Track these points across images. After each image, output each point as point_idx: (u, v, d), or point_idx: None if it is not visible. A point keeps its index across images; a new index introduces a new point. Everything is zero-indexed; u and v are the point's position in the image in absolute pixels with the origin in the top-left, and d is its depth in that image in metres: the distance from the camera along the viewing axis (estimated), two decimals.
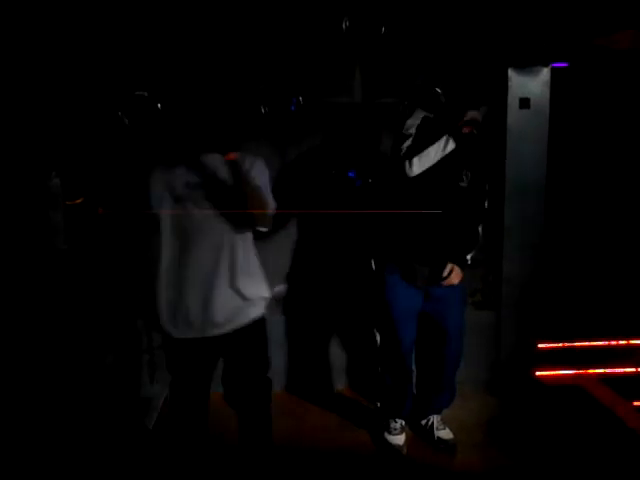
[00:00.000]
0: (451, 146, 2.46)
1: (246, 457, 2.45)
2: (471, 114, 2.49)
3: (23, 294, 2.68)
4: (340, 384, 3.45)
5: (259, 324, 2.33)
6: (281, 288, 3.36)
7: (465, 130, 2.50)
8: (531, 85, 3.19)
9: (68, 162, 2.90)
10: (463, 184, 2.63)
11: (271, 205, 2.25)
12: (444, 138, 2.46)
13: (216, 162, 2.19)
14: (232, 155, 2.10)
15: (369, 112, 3.21)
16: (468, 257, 2.74)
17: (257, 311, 2.31)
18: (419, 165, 2.45)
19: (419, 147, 2.46)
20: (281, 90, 3.11)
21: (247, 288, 2.25)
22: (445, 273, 2.68)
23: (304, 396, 3.36)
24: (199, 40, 3.05)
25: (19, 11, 2.75)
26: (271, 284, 3.29)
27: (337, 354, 3.43)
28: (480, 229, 2.77)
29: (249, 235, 2.30)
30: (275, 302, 3.33)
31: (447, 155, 2.48)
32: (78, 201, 2.92)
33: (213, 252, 2.20)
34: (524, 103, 3.18)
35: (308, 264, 3.35)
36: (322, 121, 3.21)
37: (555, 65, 3.23)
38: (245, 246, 2.27)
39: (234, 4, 3.05)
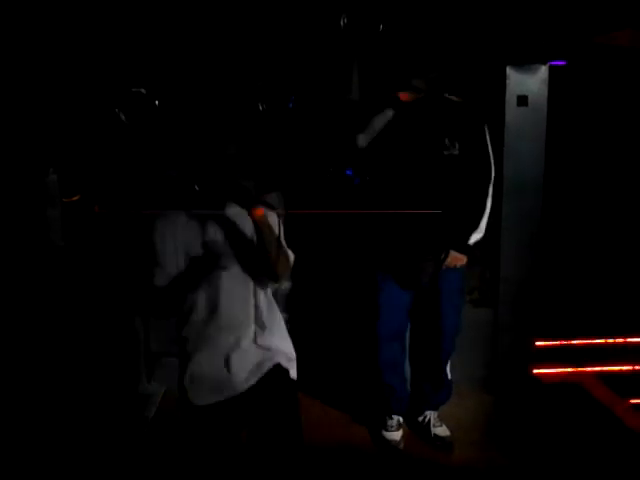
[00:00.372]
0: (389, 113, 2.57)
1: None
2: (415, 82, 2.57)
3: (20, 290, 2.68)
4: (338, 380, 3.45)
5: (285, 375, 2.08)
6: (287, 284, 3.37)
7: (402, 97, 2.57)
8: (529, 83, 3.18)
9: (65, 159, 2.90)
10: (452, 152, 2.58)
11: (291, 256, 2.05)
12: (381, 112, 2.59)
13: (237, 217, 1.95)
14: (260, 211, 1.85)
15: (367, 110, 3.20)
16: (471, 238, 2.67)
17: (281, 359, 2.07)
18: (363, 138, 2.61)
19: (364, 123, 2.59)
20: (279, 87, 3.12)
21: (272, 342, 2.05)
22: (447, 259, 2.65)
23: (300, 392, 3.35)
24: (197, 37, 3.04)
25: (17, 7, 2.75)
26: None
27: (335, 350, 3.43)
28: (488, 201, 2.67)
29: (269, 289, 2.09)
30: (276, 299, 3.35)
31: (417, 128, 2.56)
32: (75, 198, 2.92)
33: (236, 309, 2.00)
34: (522, 101, 3.18)
35: (307, 260, 3.34)
36: (320, 118, 3.21)
37: (553, 63, 3.23)
38: (267, 300, 2.08)
39: (234, 2, 3.05)
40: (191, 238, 1.93)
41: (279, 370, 2.05)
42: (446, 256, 2.66)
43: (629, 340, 3.80)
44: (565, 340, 3.76)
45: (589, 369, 3.54)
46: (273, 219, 1.95)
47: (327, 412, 3.18)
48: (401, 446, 2.85)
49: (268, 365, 2.02)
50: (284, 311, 3.32)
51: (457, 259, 2.68)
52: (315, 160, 3.23)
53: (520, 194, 3.26)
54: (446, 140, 2.58)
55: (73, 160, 2.94)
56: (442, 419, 2.95)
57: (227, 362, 1.97)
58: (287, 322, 3.20)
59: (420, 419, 2.94)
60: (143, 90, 3.08)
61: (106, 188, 2.98)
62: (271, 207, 1.94)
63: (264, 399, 2.02)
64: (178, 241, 1.94)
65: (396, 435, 2.87)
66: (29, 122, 2.80)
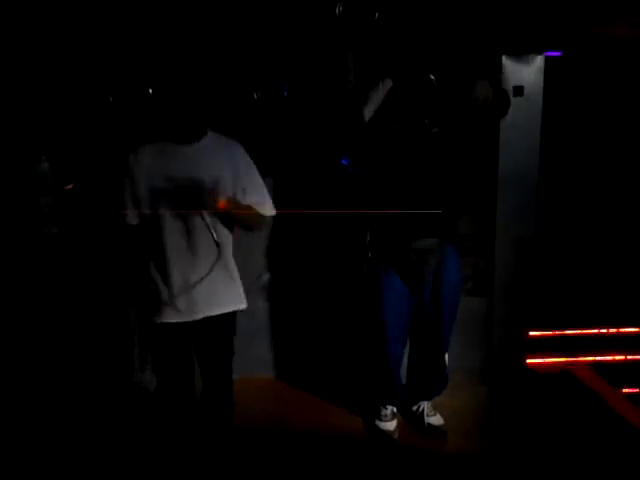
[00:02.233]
0: (388, 82, 2.59)
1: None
2: None
3: (13, 278, 2.66)
4: (331, 370, 3.45)
5: (231, 317, 2.43)
6: (266, 276, 3.36)
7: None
8: (525, 73, 3.17)
9: (58, 147, 2.88)
10: (434, 130, 2.59)
11: (269, 213, 2.37)
12: (380, 81, 2.60)
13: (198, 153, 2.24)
14: (221, 204, 2.16)
15: (362, 98, 3.19)
16: None
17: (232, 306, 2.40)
18: (367, 109, 2.60)
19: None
20: (274, 76, 3.10)
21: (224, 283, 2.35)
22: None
23: (295, 383, 3.36)
24: (191, 25, 3.01)
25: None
26: (259, 271, 3.34)
27: (329, 341, 3.42)
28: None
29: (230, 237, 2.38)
30: (263, 289, 3.35)
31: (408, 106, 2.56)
32: (69, 187, 2.90)
33: (194, 245, 2.26)
34: (518, 91, 3.17)
35: (297, 251, 3.34)
36: (315, 107, 3.19)
37: (549, 54, 3.22)
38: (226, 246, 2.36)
39: None
40: (160, 172, 2.19)
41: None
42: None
43: (622, 330, 3.81)
44: (559, 330, 3.77)
45: (582, 359, 3.55)
46: (251, 175, 2.32)
47: (321, 403, 3.17)
48: (395, 436, 2.86)
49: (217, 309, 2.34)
50: (270, 301, 3.36)
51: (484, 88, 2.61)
52: (310, 149, 3.22)
53: (515, 184, 3.26)
54: (425, 121, 2.60)
55: (66, 148, 2.92)
56: (436, 409, 2.95)
57: (188, 289, 2.26)
58: (273, 313, 3.22)
59: (414, 408, 2.95)
60: (136, 78, 3.05)
61: (99, 176, 2.95)
62: None
63: (213, 332, 2.38)
64: (145, 174, 2.20)
65: (390, 425, 2.87)
66: (21, 110, 2.77)
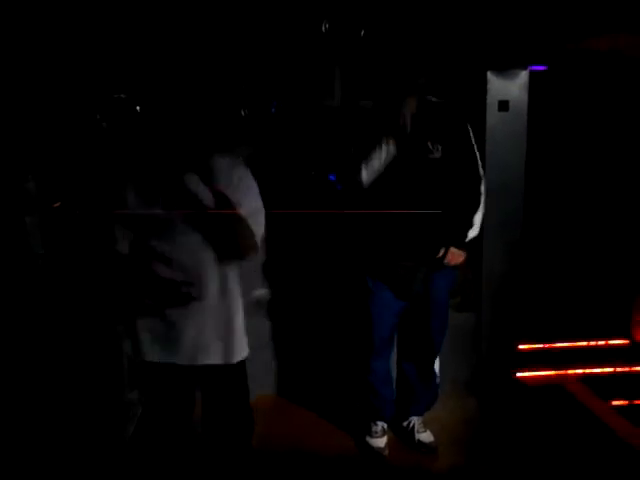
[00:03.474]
0: (392, 150, 2.49)
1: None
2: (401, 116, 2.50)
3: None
4: (324, 387, 3.44)
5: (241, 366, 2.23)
6: (264, 291, 3.35)
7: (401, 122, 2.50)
8: (510, 88, 3.21)
9: (45, 165, 2.87)
10: (435, 155, 2.56)
11: (261, 230, 2.10)
12: (383, 143, 2.49)
13: (196, 185, 1.99)
14: (217, 187, 1.92)
15: (349, 115, 3.21)
16: (469, 234, 2.64)
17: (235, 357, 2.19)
18: (367, 174, 2.52)
19: (366, 160, 2.50)
20: (261, 92, 3.11)
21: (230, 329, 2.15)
22: (440, 254, 2.61)
23: (289, 398, 3.35)
24: (179, 42, 3.02)
25: None
26: (259, 287, 3.33)
27: (322, 357, 3.41)
28: (482, 199, 2.68)
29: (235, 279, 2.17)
30: (260, 305, 3.34)
31: (410, 128, 2.51)
32: (55, 205, 2.89)
33: (193, 278, 2.06)
34: (503, 106, 3.21)
35: (294, 266, 3.34)
36: (302, 123, 3.20)
37: (534, 68, 3.26)
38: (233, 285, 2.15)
39: (215, 7, 3.04)
40: (153, 201, 2.01)
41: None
42: (445, 253, 2.62)
43: (611, 342, 3.84)
44: (548, 343, 3.78)
45: (572, 372, 3.56)
46: (246, 181, 2.10)
47: (311, 419, 3.16)
48: (385, 453, 2.85)
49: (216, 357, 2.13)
50: (268, 318, 3.35)
51: (457, 255, 2.64)
52: (298, 164, 3.23)
53: (502, 198, 3.27)
54: (429, 143, 2.56)
55: (53, 166, 2.91)
56: (426, 423, 2.95)
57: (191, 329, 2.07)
58: (269, 330, 3.20)
59: (405, 424, 2.94)
60: (123, 95, 3.05)
61: (87, 194, 2.94)
62: None
63: (217, 379, 2.18)
64: (140, 202, 2.03)
65: (380, 442, 2.86)
66: (7, 128, 2.76)
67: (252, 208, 2.07)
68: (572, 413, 3.18)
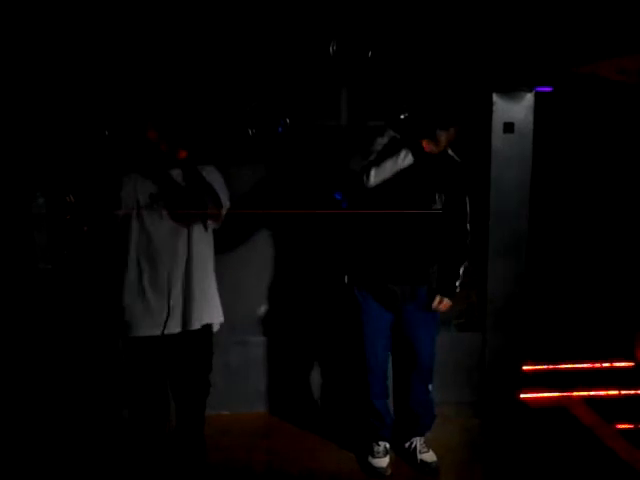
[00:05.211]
0: (408, 160, 2.54)
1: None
2: (438, 134, 2.54)
3: (7, 312, 2.66)
4: (324, 406, 3.43)
5: (208, 330, 2.52)
6: (261, 310, 3.37)
7: (425, 146, 2.55)
8: (515, 110, 3.24)
9: (54, 179, 2.90)
10: (436, 206, 2.68)
11: (225, 203, 2.46)
12: (402, 152, 2.54)
13: (178, 175, 2.38)
14: (183, 153, 2.32)
15: (355, 135, 3.24)
16: (457, 284, 2.78)
17: (208, 318, 2.49)
18: (375, 176, 2.55)
19: (378, 160, 2.56)
20: (268, 112, 3.14)
21: (203, 296, 2.45)
22: (434, 304, 2.76)
23: (287, 418, 3.34)
24: (188, 62, 3.07)
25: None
26: (253, 305, 3.35)
27: (321, 375, 3.41)
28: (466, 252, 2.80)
29: (208, 252, 2.49)
30: (255, 323, 3.35)
31: (418, 176, 2.57)
32: (67, 218, 2.91)
33: (173, 256, 2.39)
34: (508, 127, 3.23)
35: (288, 285, 3.35)
36: (308, 143, 3.23)
37: (539, 89, 3.28)
38: (202, 258, 2.46)
39: (223, 26, 3.08)
40: (137, 190, 2.36)
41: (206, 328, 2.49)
42: (440, 302, 2.77)
43: (615, 364, 3.82)
44: (552, 364, 3.77)
45: (576, 394, 3.54)
46: (211, 170, 2.44)
47: (312, 439, 3.15)
48: (388, 473, 2.83)
49: (196, 322, 2.43)
50: (265, 335, 3.36)
51: (448, 304, 2.79)
52: (303, 184, 3.25)
53: (506, 219, 3.30)
54: (436, 195, 2.67)
55: (61, 180, 2.94)
56: (429, 443, 2.93)
57: (155, 304, 2.36)
58: (266, 347, 3.21)
59: (407, 445, 2.93)
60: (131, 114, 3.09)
61: (95, 207, 2.97)
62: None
63: (190, 348, 2.46)
64: (133, 192, 2.36)
65: (383, 462, 2.85)
66: (16, 145, 2.79)
67: (217, 187, 2.45)
68: (576, 436, 3.16)
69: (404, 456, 2.94)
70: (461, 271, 2.78)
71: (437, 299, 2.76)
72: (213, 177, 2.45)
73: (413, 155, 2.54)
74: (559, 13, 2.99)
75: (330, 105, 3.24)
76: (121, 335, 2.45)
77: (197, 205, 2.36)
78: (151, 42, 3.03)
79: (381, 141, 2.64)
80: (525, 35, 3.07)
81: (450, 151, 2.71)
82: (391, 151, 2.57)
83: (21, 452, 2.76)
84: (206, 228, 2.47)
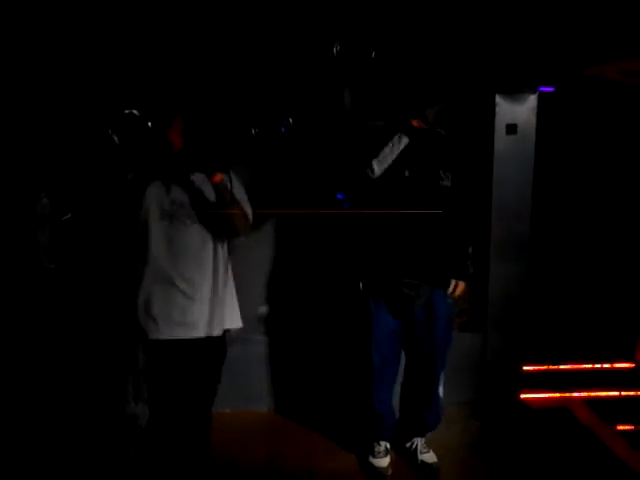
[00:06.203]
0: (404, 141, 2.57)
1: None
2: (427, 112, 2.59)
3: (11, 313, 2.67)
4: (326, 405, 3.44)
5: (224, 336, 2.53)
6: (265, 308, 3.38)
7: (414, 124, 2.59)
8: (518, 111, 3.23)
9: (57, 178, 2.90)
10: (445, 183, 2.67)
11: (250, 214, 2.49)
12: (396, 136, 2.58)
13: (201, 181, 2.36)
14: (218, 177, 2.28)
15: (359, 135, 3.23)
16: (468, 264, 2.79)
17: (229, 324, 2.52)
18: (378, 166, 2.57)
19: (376, 151, 2.59)
20: (272, 112, 3.15)
21: (225, 302, 2.47)
22: (450, 290, 2.77)
23: (289, 416, 3.35)
24: (191, 62, 3.07)
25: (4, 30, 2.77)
26: (255, 303, 3.36)
27: (323, 375, 3.42)
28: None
29: (227, 260, 2.51)
30: (259, 322, 3.36)
31: (418, 157, 2.59)
32: (67, 217, 2.93)
33: (196, 262, 2.39)
34: (511, 129, 3.23)
35: (291, 283, 3.36)
36: (312, 143, 3.23)
37: (542, 89, 3.28)
38: (224, 266, 2.49)
39: (227, 27, 3.08)
40: (162, 196, 2.35)
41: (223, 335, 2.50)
42: (455, 287, 2.77)
43: (616, 365, 3.82)
44: (553, 365, 3.78)
45: (576, 394, 3.55)
46: (235, 180, 2.38)
47: (313, 438, 3.16)
48: (388, 473, 2.85)
49: (218, 328, 2.44)
50: (267, 334, 3.37)
51: (462, 287, 2.80)
52: (306, 184, 3.26)
53: (509, 220, 3.30)
54: (441, 172, 2.66)
55: (65, 180, 2.95)
56: (430, 444, 2.95)
57: (182, 308, 2.36)
58: (269, 346, 3.22)
59: (408, 445, 2.94)
60: (136, 111, 3.09)
61: (97, 207, 2.97)
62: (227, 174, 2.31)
63: (208, 356, 2.47)
64: (153, 197, 2.34)
65: (383, 462, 2.86)
66: (19, 144, 2.80)
67: (243, 199, 2.46)
68: (576, 437, 3.17)
69: (404, 456, 2.95)
70: (470, 250, 2.78)
71: (452, 283, 2.76)
72: (238, 188, 2.45)
73: (407, 135, 2.57)
74: (563, 14, 2.99)
75: (333, 105, 3.24)
76: (141, 337, 2.42)
77: (225, 221, 2.37)
78: (156, 43, 3.03)
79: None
80: (528, 36, 3.06)
81: (439, 129, 2.73)
82: (385, 139, 2.60)
83: (24, 454, 2.77)
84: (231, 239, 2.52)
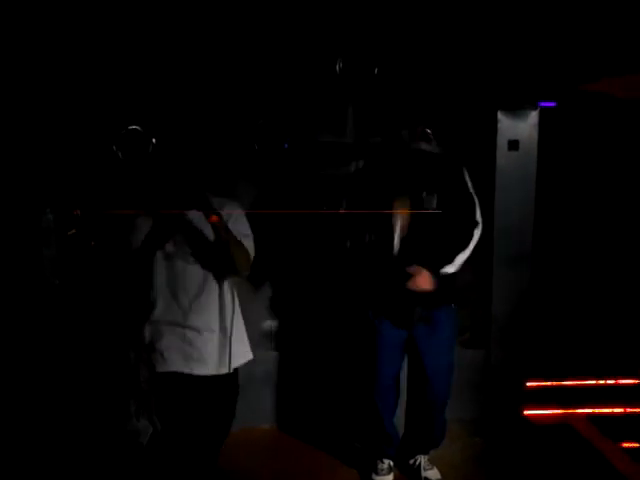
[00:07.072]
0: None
1: None
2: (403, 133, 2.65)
3: (16, 328, 2.68)
4: (329, 421, 3.43)
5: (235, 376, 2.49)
6: (269, 323, 3.38)
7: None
8: (520, 127, 3.25)
9: (62, 194, 2.92)
10: (429, 206, 2.61)
11: (252, 253, 2.42)
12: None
13: (199, 220, 2.32)
14: (214, 218, 2.23)
15: (361, 151, 3.26)
16: (445, 268, 2.63)
17: (243, 359, 2.48)
18: None
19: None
20: (275, 128, 3.17)
21: (234, 337, 2.42)
22: (410, 269, 2.56)
23: (295, 434, 3.34)
24: (194, 80, 3.10)
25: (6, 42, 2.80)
26: (261, 320, 3.36)
27: (326, 391, 3.41)
28: (471, 244, 2.67)
29: (234, 295, 2.46)
30: (264, 338, 3.36)
31: (395, 182, 2.62)
32: (72, 232, 2.94)
33: (201, 300, 2.36)
34: (513, 145, 3.25)
35: (297, 301, 3.36)
36: (314, 159, 3.25)
37: (543, 104, 3.30)
38: (231, 301, 2.44)
39: (230, 44, 3.12)
40: (160, 236, 2.31)
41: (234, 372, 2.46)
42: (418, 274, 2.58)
43: (620, 381, 3.80)
44: (556, 381, 3.76)
45: (580, 411, 3.53)
46: (238, 215, 2.40)
47: (316, 456, 3.15)
48: None
49: (228, 365, 2.40)
50: (270, 351, 3.37)
51: (424, 279, 2.57)
52: (309, 200, 3.27)
53: (511, 236, 3.31)
54: (424, 194, 2.62)
55: (70, 195, 2.97)
56: (433, 461, 2.93)
57: (190, 343, 2.34)
58: (271, 363, 3.19)
59: (411, 462, 2.92)
60: (139, 128, 3.12)
61: (102, 222, 3.00)
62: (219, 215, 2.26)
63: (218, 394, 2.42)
64: (155, 239, 2.31)
65: (386, 479, 2.85)
66: (25, 160, 2.82)
67: (244, 235, 2.40)
68: (580, 454, 3.15)
69: (408, 473, 2.93)
70: (457, 259, 2.62)
71: (414, 266, 2.56)
72: (239, 224, 2.40)
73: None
74: (564, 30, 3.02)
75: (336, 122, 3.26)
76: (150, 369, 2.41)
77: (225, 259, 2.33)
78: (159, 58, 3.06)
79: None
80: (530, 53, 3.09)
81: (425, 145, 2.68)
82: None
83: (26, 467, 2.77)
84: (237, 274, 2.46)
